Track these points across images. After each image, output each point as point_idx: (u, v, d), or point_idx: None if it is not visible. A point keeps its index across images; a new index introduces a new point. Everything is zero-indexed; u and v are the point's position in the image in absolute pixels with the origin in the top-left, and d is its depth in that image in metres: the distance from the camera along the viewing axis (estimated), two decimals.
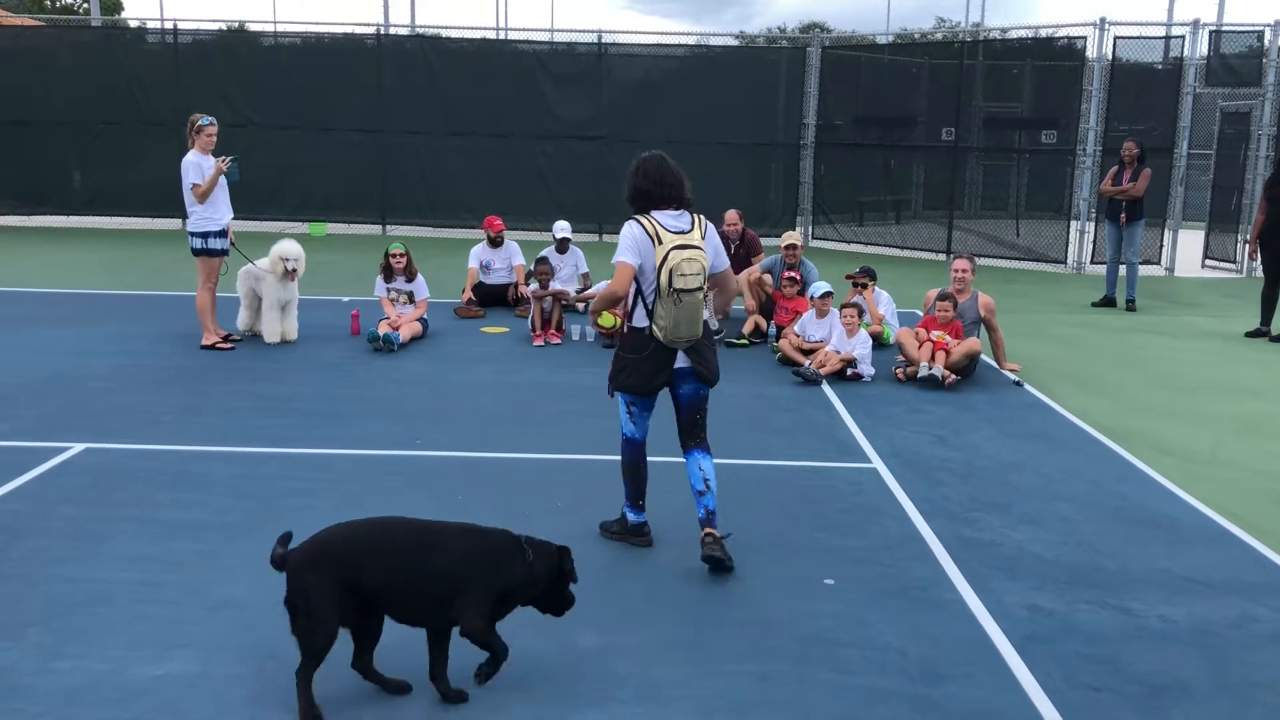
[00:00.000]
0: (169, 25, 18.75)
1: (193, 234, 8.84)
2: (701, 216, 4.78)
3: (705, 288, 4.67)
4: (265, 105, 17.75)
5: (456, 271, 11.72)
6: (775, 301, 9.92)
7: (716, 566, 4.72)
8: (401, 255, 9.58)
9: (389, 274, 9.63)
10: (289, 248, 9.05)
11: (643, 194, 4.70)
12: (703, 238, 4.69)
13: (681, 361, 4.76)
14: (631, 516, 5.09)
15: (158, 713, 3.53)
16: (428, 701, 3.62)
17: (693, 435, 4.88)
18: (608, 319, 4.48)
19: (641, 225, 4.62)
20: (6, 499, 5.39)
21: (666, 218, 4.65)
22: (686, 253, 4.55)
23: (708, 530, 4.76)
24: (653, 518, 5.28)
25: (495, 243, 11.17)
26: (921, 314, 8.95)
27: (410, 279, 9.64)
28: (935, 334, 8.38)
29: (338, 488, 5.68)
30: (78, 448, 6.20)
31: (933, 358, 8.24)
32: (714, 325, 4.81)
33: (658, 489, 5.74)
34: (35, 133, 17.90)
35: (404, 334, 9.17)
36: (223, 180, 8.80)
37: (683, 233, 4.62)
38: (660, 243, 4.56)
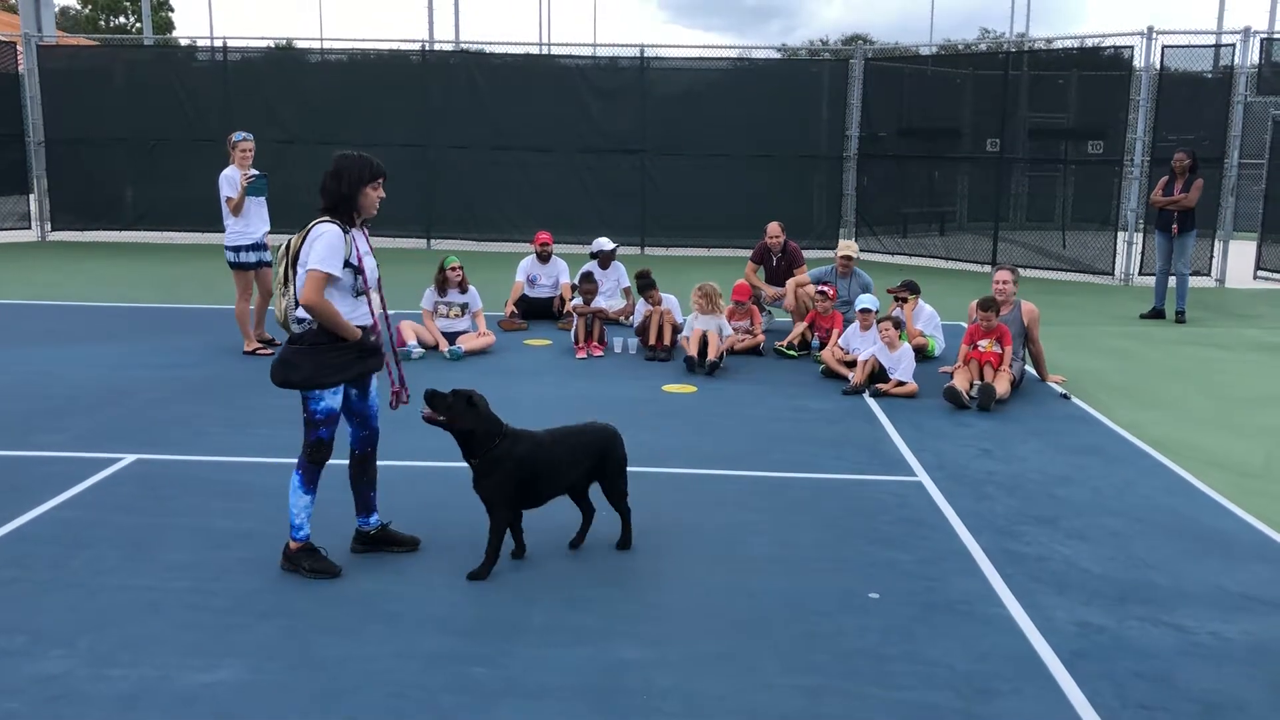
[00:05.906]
0: (219, 44, 19.09)
1: (226, 248, 9.23)
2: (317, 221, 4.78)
3: (282, 287, 4.80)
4: (312, 121, 17.97)
5: (500, 286, 11.78)
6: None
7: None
8: (458, 268, 9.75)
9: (443, 287, 9.75)
10: None
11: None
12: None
13: None
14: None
15: None
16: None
17: None
18: None
19: None
20: (61, 508, 5.49)
21: None
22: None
23: None
24: (692, 531, 5.28)
25: (543, 258, 11.26)
26: (966, 325, 8.84)
27: (463, 291, 9.79)
28: (982, 344, 8.27)
29: (383, 499, 5.72)
30: (129, 458, 6.30)
31: (981, 374, 8.14)
32: (294, 328, 4.79)
33: (696, 503, 5.73)
34: (90, 150, 18.31)
35: (469, 344, 9.47)
36: (260, 196, 9.12)
37: None
38: None
